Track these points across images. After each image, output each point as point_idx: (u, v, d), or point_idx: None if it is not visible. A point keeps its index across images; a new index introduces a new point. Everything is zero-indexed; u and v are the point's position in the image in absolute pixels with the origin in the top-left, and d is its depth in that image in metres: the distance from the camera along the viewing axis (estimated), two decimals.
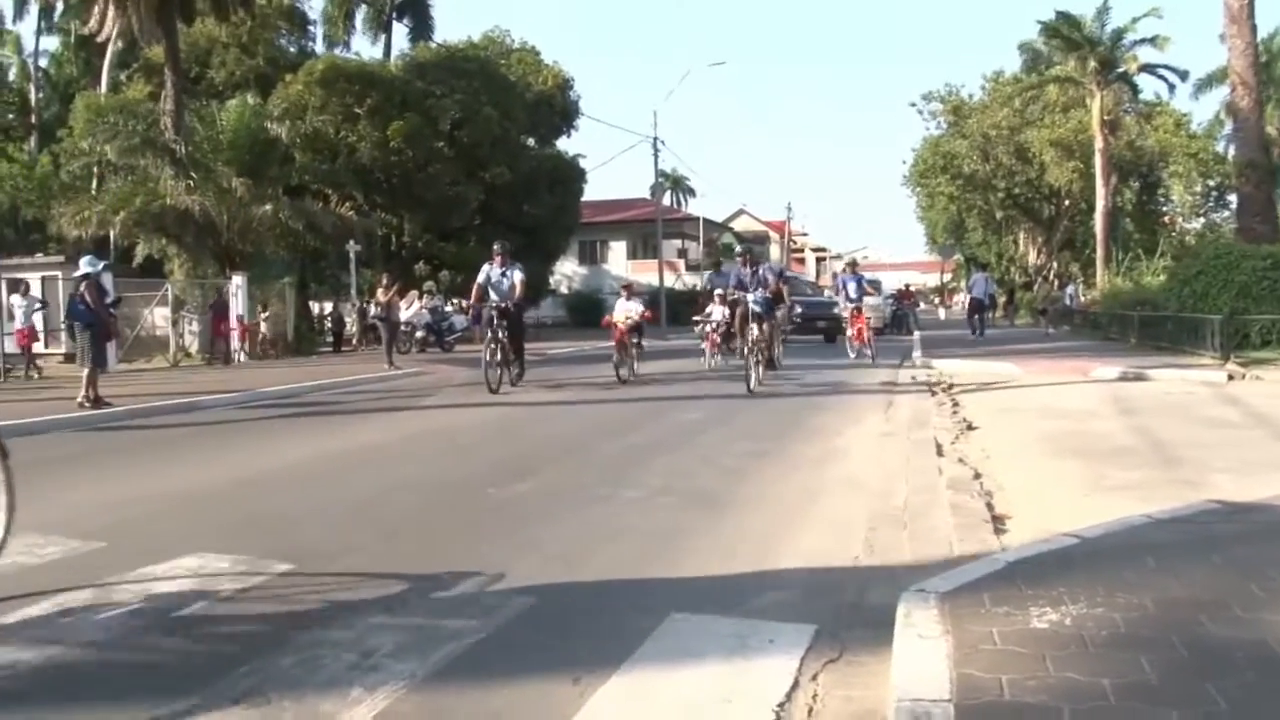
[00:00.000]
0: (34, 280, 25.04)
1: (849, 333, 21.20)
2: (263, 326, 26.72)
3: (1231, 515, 5.51)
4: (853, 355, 20.30)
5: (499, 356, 14.61)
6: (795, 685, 3.50)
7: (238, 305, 24.88)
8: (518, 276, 15.04)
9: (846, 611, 4.33)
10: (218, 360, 23.29)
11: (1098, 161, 38.72)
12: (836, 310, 25.82)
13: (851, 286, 20.83)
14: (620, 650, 3.78)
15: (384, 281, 21.60)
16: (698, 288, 44.63)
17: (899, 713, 3.00)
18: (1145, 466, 7.64)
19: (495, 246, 15.61)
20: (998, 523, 5.96)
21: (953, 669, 3.25)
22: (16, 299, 20.09)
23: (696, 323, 20.27)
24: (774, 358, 16.78)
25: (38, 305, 20.59)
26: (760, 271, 14.75)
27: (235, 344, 24.55)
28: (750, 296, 14.38)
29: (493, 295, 14.90)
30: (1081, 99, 41.15)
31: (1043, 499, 6.54)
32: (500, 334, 14.61)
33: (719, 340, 18.55)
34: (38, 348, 20.66)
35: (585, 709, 3.32)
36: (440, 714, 3.31)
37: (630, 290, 17.69)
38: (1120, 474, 7.33)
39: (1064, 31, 39.35)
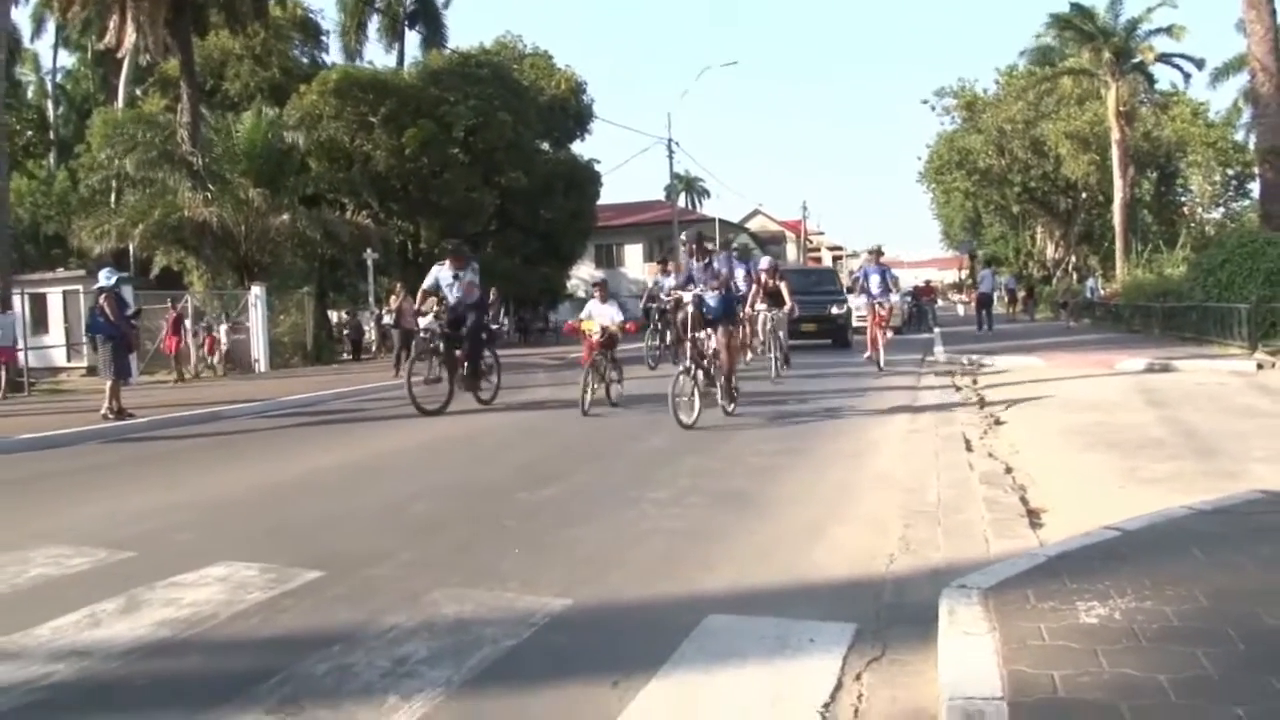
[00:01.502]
0: (55, 295, 25.19)
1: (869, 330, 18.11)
2: (223, 341, 24.96)
3: (1277, 505, 5.40)
4: (868, 357, 17.24)
5: (436, 372, 12.75)
6: (839, 685, 3.43)
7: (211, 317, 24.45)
8: (469, 278, 13.08)
9: (886, 609, 4.25)
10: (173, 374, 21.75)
11: (1114, 153, 38.41)
12: (833, 311, 24.03)
13: (874, 280, 17.33)
14: (659, 652, 3.71)
15: (396, 289, 21.52)
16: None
17: (950, 712, 2.92)
18: (1180, 458, 7.52)
19: (448, 245, 14.23)
20: (1033, 517, 5.87)
21: (1002, 666, 3.18)
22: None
23: None
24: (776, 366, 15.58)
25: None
26: (714, 264, 11.13)
27: (194, 358, 23.83)
28: (689, 295, 10.83)
29: (449, 300, 12.98)
30: (1096, 91, 40.80)
31: (1077, 492, 6.44)
32: (442, 346, 12.76)
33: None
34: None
35: (627, 712, 3.25)
36: None
37: (604, 289, 13.34)
38: (1155, 466, 7.22)
39: (1077, 23, 39.03)
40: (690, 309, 10.76)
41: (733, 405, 11.04)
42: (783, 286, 16.59)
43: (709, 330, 10.79)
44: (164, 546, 5.63)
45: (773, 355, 15.75)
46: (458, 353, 12.91)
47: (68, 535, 5.92)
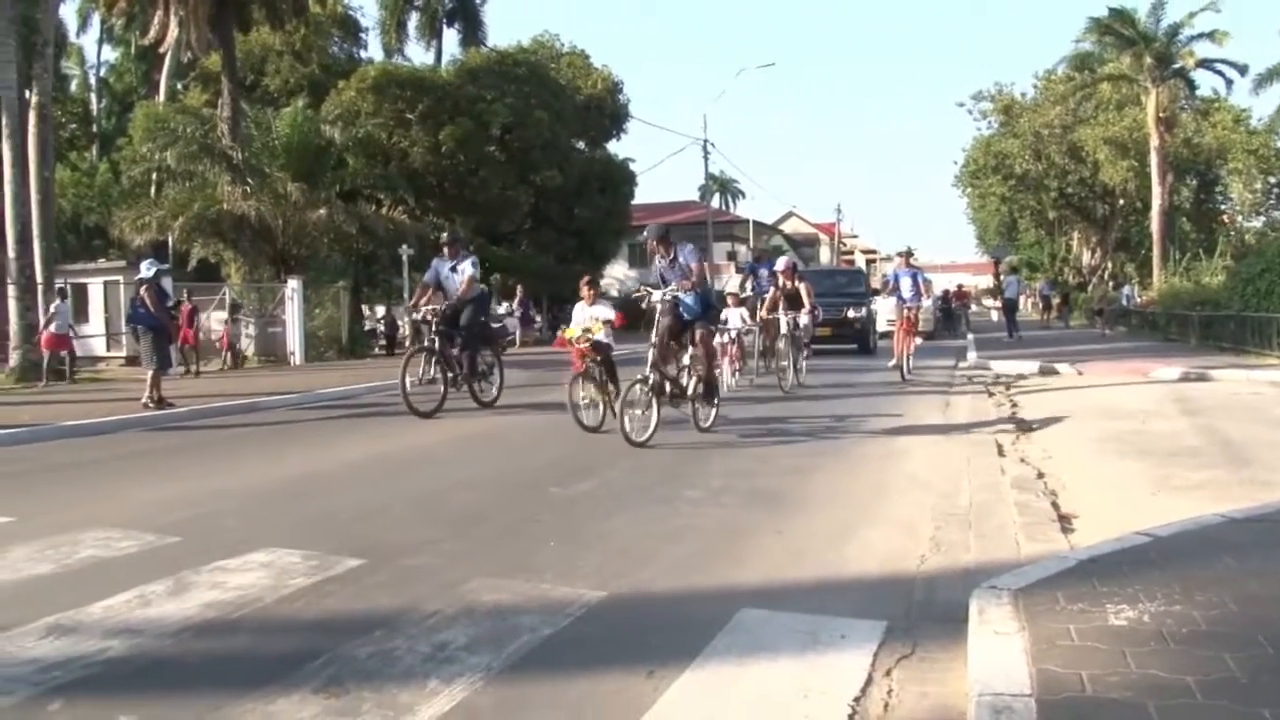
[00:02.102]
0: (95, 285, 25.59)
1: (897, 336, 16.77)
2: (216, 331, 24.76)
3: None
4: (894, 365, 16.02)
5: (431, 373, 11.99)
6: (870, 680, 3.49)
7: (225, 310, 24.18)
8: (468, 270, 12.36)
9: (917, 608, 4.31)
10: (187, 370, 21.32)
11: (1153, 159, 38.10)
12: (851, 314, 22.96)
13: (906, 283, 16.32)
14: (692, 644, 3.79)
15: (425, 284, 21.58)
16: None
17: (979, 707, 2.98)
18: (1214, 466, 7.52)
19: (443, 235, 13.47)
20: (1064, 522, 5.90)
21: (1031, 665, 3.23)
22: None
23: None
24: (793, 373, 14.60)
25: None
26: (680, 258, 9.82)
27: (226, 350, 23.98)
28: (659, 295, 9.68)
29: (449, 294, 12.43)
30: (1136, 96, 40.48)
31: (1109, 498, 6.47)
32: (439, 343, 12.08)
33: (739, 354, 15.18)
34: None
35: (661, 701, 3.32)
36: (517, 706, 3.34)
37: (593, 288, 11.61)
38: (1188, 474, 7.22)
39: (1117, 28, 38.70)
40: (663, 316, 9.61)
41: (710, 418, 9.94)
42: (803, 289, 15.26)
43: (693, 333, 9.73)
44: (208, 532, 5.76)
45: (789, 364, 14.52)
46: (454, 351, 12.28)
47: (115, 519, 6.07)
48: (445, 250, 12.57)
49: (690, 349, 9.69)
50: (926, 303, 18.66)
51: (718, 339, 13.74)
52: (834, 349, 22.55)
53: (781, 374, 14.39)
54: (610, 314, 10.95)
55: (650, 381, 9.13)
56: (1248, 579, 4.12)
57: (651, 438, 8.94)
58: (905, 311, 16.21)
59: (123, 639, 3.92)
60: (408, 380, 11.65)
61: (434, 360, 12.03)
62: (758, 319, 15.69)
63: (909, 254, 17.46)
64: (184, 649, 3.86)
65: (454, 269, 12.38)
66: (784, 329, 14.56)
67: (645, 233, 10.18)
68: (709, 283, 10.82)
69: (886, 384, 15.18)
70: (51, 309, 18.97)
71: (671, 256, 9.87)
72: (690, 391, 9.60)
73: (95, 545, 5.42)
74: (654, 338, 9.50)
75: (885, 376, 16.02)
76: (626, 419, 8.85)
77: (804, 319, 15.08)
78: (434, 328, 12.09)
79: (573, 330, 10.81)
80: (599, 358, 10.42)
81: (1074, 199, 50.88)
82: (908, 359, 15.73)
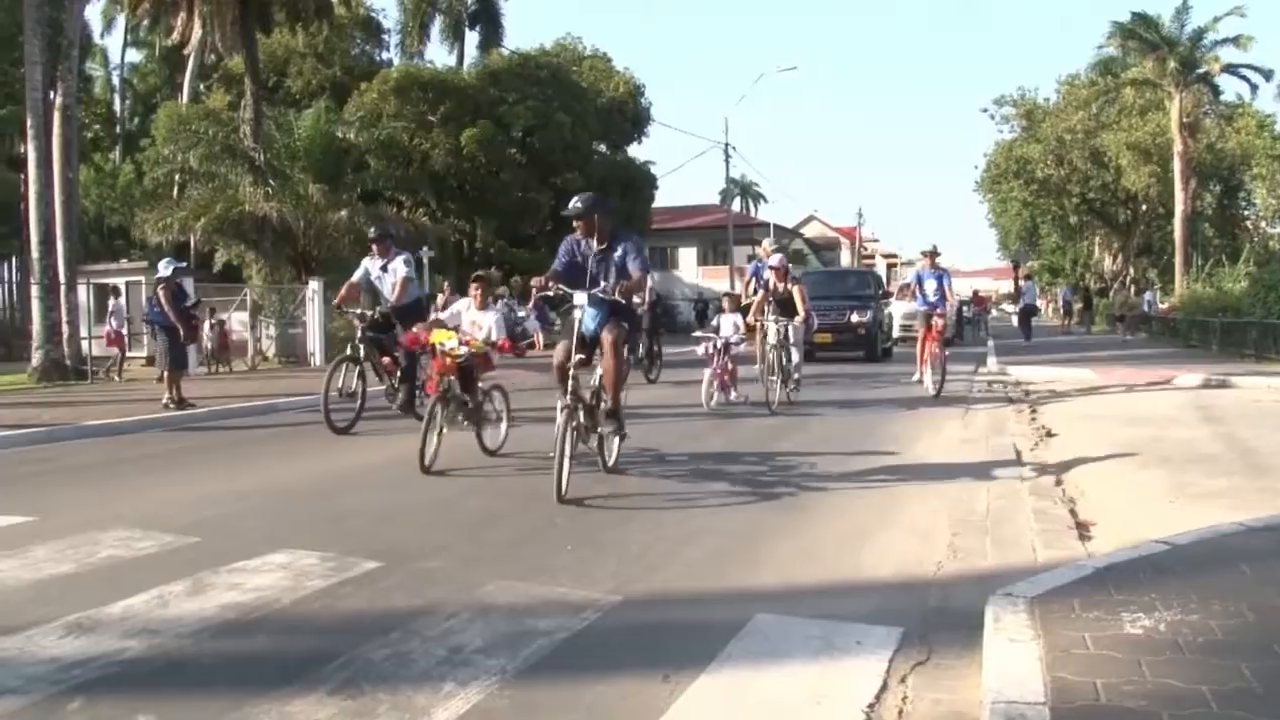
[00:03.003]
0: (120, 284, 25.81)
1: (919, 346, 14.94)
2: (266, 336, 24.15)
3: None
4: (917, 379, 14.82)
5: (352, 384, 10.62)
6: (884, 687, 3.50)
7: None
8: (401, 271, 10.94)
9: (932, 615, 4.30)
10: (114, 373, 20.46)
11: (1176, 165, 37.90)
12: (854, 318, 21.23)
13: (929, 286, 14.56)
14: (707, 649, 3.80)
15: (444, 287, 21.71)
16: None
17: (993, 714, 2.98)
18: (1233, 474, 7.47)
19: (371, 231, 12.30)
20: (1082, 529, 5.88)
21: (1046, 672, 3.23)
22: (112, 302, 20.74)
23: (698, 340, 13.75)
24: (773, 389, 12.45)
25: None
26: (618, 252, 7.40)
27: (250, 351, 23.81)
28: (582, 299, 7.19)
29: (384, 297, 11.21)
30: (1159, 101, 40.28)
31: (1127, 506, 6.44)
32: (366, 351, 10.73)
33: (725, 369, 12.83)
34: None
35: (677, 706, 3.34)
36: (532, 709, 3.35)
37: (484, 288, 9.15)
38: (1207, 482, 7.18)
39: (1140, 33, 38.53)
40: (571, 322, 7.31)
41: (615, 452, 7.77)
42: (795, 292, 13.07)
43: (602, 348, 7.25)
44: (227, 533, 5.81)
45: (776, 379, 12.53)
46: (386, 360, 10.87)
47: (135, 519, 6.13)
48: (374, 248, 11.16)
49: (611, 358, 7.21)
50: (951, 307, 15.71)
51: (703, 349, 13.03)
52: (837, 357, 21.23)
53: (770, 388, 12.44)
54: (499, 334, 8.77)
55: (575, 411, 7.04)
56: (1265, 588, 4.10)
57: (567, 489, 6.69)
58: (929, 317, 14.37)
59: (142, 639, 3.95)
60: (331, 392, 10.32)
61: (356, 370, 10.64)
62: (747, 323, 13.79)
63: (934, 253, 15.18)
64: (202, 649, 3.90)
65: (385, 269, 10.98)
66: (772, 337, 12.75)
67: (571, 205, 7.43)
68: (648, 298, 8.68)
69: (897, 399, 13.77)
70: (110, 306, 19.46)
71: (605, 246, 7.38)
72: (598, 418, 7.39)
73: (115, 545, 5.47)
74: (555, 360, 7.22)
75: (901, 391, 14.71)
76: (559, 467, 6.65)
77: (792, 334, 12.92)
78: (361, 333, 10.66)
79: (444, 334, 8.24)
80: (469, 378, 8.31)
81: (1096, 204, 50.64)
82: (936, 372, 13.85)
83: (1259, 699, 3.00)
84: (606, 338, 7.14)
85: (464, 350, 8.08)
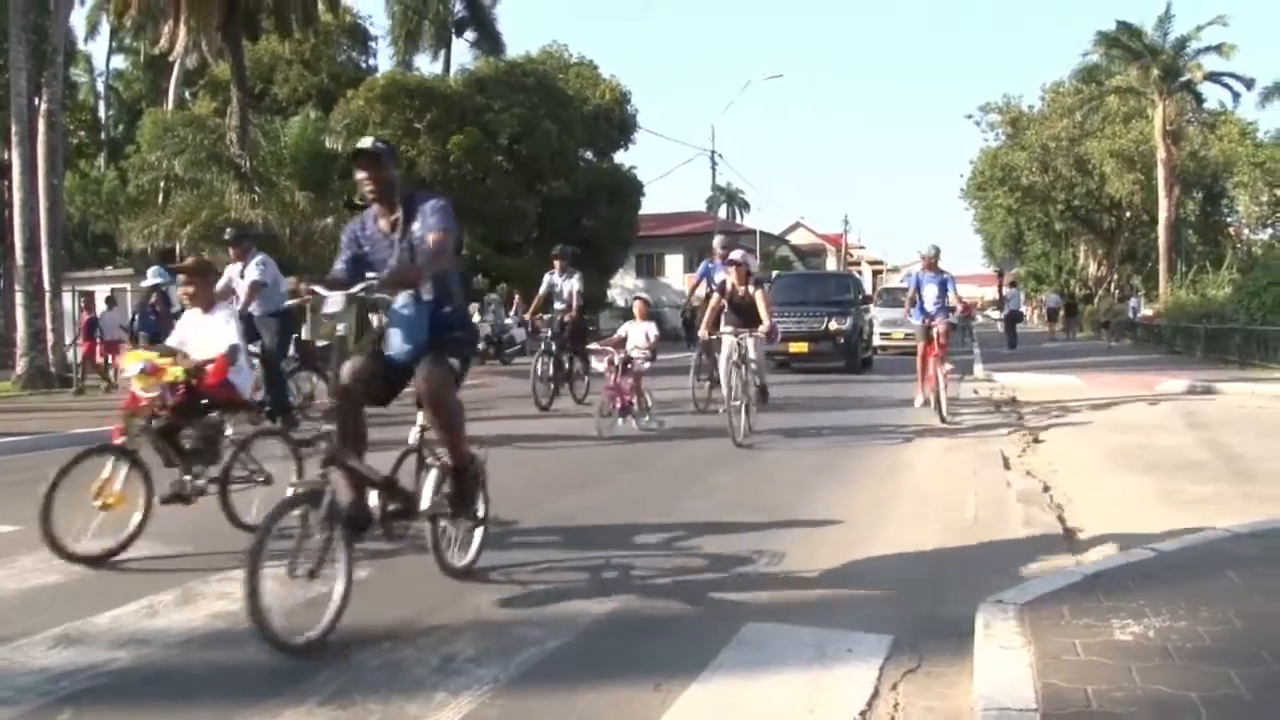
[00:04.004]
0: (102, 292, 25.69)
1: (919, 365, 12.86)
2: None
3: None
4: (923, 402, 12.51)
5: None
6: (876, 694, 3.51)
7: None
8: (252, 275, 9.66)
9: (923, 622, 4.31)
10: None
11: (1160, 172, 38.12)
12: (833, 325, 19.38)
13: (930, 292, 12.65)
14: (699, 658, 3.81)
15: None
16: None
17: None
18: (1219, 481, 7.53)
19: (226, 234, 10.84)
20: (1070, 535, 5.92)
21: (1036, 679, 3.24)
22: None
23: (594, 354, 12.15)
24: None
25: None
26: (418, 224, 4.86)
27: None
28: (336, 303, 4.45)
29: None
30: (1142, 109, 40.52)
31: (1114, 513, 6.47)
32: None
33: (626, 387, 10.66)
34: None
35: (668, 715, 3.35)
36: (524, 717, 3.36)
37: (197, 280, 6.41)
38: (1193, 488, 7.23)
39: (1124, 40, 38.78)
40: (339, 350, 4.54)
41: (473, 550, 5.08)
42: (758, 297, 10.76)
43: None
44: (217, 542, 5.76)
45: (741, 404, 9.97)
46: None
47: None
48: (231, 251, 9.87)
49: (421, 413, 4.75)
50: (954, 317, 13.31)
51: (603, 363, 10.87)
52: (814, 368, 19.86)
53: (736, 418, 9.83)
54: (229, 341, 6.10)
55: (324, 497, 4.08)
56: (1253, 595, 4.12)
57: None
58: (930, 328, 12.47)
59: (130, 649, 3.94)
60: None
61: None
62: (699, 337, 11.94)
63: (935, 256, 13.05)
64: (192, 660, 3.89)
65: (243, 275, 9.68)
66: (728, 352, 10.37)
67: (359, 142, 5.04)
68: (452, 284, 4.97)
69: (880, 425, 11.37)
70: (99, 315, 19.36)
71: (396, 217, 4.88)
72: (428, 501, 4.69)
73: None
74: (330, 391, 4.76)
75: (891, 416, 12.14)
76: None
77: (752, 349, 10.39)
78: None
79: (137, 355, 5.92)
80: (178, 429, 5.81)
81: (1081, 211, 50.87)
82: (940, 394, 11.81)
83: (1248, 705, 3.02)
84: (424, 388, 4.61)
85: (153, 384, 5.64)
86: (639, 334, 11.05)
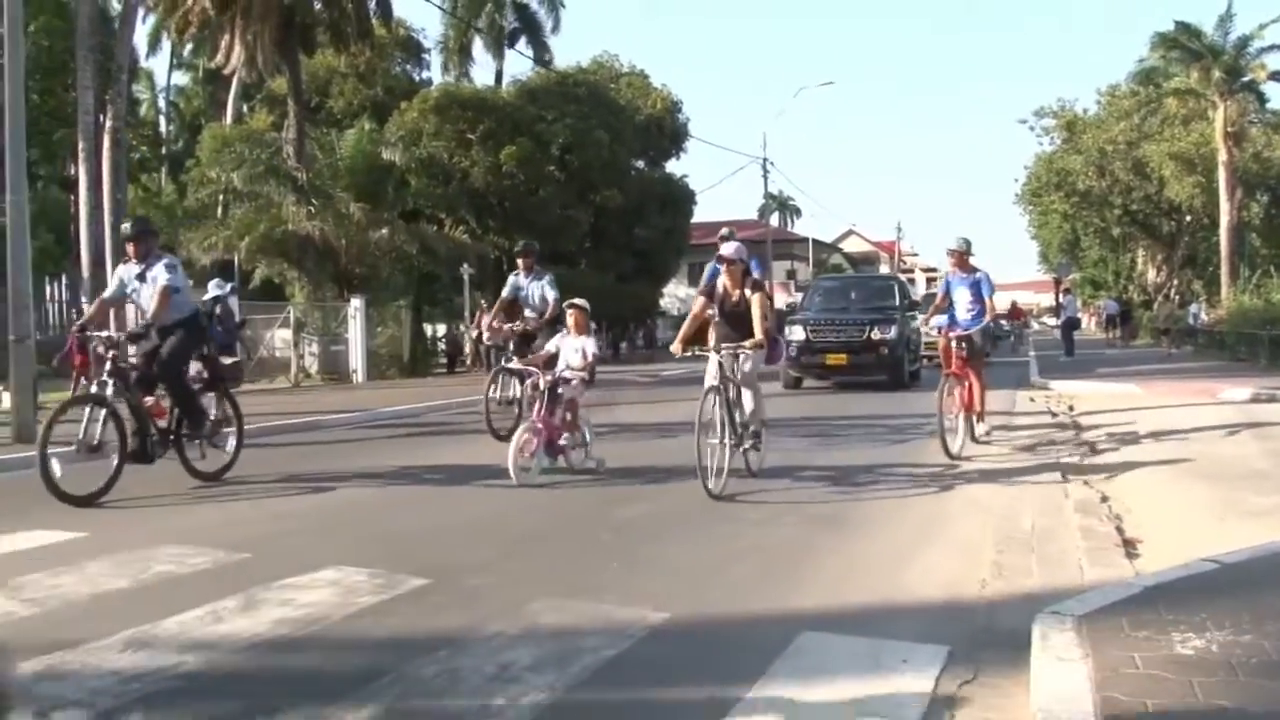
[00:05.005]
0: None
1: (942, 384, 9.89)
2: (309, 353, 24.14)
3: None
4: (949, 429, 9.64)
5: (96, 435, 7.70)
6: (931, 705, 3.50)
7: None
8: (161, 279, 8.11)
9: (979, 633, 4.29)
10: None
11: (1221, 175, 37.46)
12: (876, 335, 17.50)
13: (962, 297, 10.59)
14: (753, 667, 3.82)
15: (482, 304, 21.86)
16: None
17: None
18: None
19: (124, 228, 8.83)
20: (1129, 547, 5.85)
21: (1095, 692, 3.22)
22: None
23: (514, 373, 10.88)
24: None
25: None
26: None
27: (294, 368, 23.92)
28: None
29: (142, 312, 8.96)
30: (1203, 111, 39.82)
31: (1175, 524, 6.38)
32: (114, 386, 7.86)
33: (555, 421, 8.40)
34: None
35: None
36: None
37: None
38: (1257, 499, 7.09)
39: (1184, 42, 38.17)
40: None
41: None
42: (755, 301, 8.15)
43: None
44: (277, 549, 5.89)
45: (720, 442, 7.62)
46: (150, 400, 8.41)
47: (186, 536, 6.22)
48: (129, 249, 8.45)
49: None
50: (987, 322, 10.70)
51: (524, 387, 9.80)
52: (854, 382, 18.19)
53: (712, 457, 7.55)
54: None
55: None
56: None
57: None
58: (950, 340, 10.33)
59: (197, 653, 4.03)
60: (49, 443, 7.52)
61: (104, 412, 7.72)
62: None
63: (964, 251, 10.78)
64: (257, 664, 3.97)
65: (143, 277, 8.32)
66: (713, 372, 7.97)
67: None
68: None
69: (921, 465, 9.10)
70: None
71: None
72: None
73: (168, 561, 5.56)
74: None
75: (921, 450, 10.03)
76: None
77: (746, 362, 8.05)
78: (106, 364, 7.95)
79: None
80: None
81: (1139, 216, 50.04)
82: (964, 421, 10.11)
83: None
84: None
85: None
86: (573, 351, 8.77)
